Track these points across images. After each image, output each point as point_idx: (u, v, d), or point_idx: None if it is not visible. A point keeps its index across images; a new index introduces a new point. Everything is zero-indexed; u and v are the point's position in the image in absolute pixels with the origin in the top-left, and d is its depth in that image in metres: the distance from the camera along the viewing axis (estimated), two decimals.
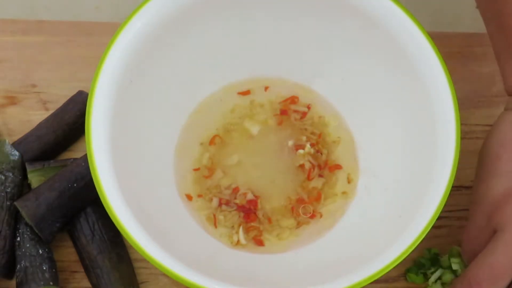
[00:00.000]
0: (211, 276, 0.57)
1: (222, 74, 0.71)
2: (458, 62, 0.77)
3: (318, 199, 0.69)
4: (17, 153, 0.68)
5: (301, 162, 0.70)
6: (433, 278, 0.68)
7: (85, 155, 0.64)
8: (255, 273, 0.65)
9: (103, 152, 0.59)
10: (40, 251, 0.65)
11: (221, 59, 0.70)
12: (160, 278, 0.68)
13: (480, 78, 0.77)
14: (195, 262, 0.59)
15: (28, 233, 0.66)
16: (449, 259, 0.68)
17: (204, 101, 0.72)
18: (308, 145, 0.70)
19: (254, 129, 0.71)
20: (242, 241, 0.67)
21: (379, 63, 0.67)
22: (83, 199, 0.66)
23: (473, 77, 0.77)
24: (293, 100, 0.72)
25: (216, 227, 0.68)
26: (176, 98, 0.69)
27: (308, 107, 0.72)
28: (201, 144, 0.71)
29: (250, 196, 0.69)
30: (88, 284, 0.67)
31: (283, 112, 0.72)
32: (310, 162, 0.70)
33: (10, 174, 0.67)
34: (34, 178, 0.68)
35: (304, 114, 0.72)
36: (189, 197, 0.69)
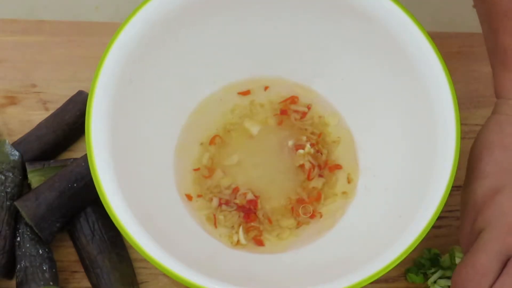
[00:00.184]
0: (211, 276, 0.57)
1: (222, 74, 0.71)
2: (458, 62, 0.77)
3: (318, 199, 0.69)
4: (17, 153, 0.68)
5: (301, 162, 0.70)
6: (433, 278, 0.68)
7: (85, 155, 0.64)
8: (255, 273, 0.65)
9: (103, 152, 0.59)
10: (40, 251, 0.65)
11: (221, 59, 0.70)
12: (160, 278, 0.68)
13: (480, 78, 0.77)
14: (195, 262, 0.59)
15: (28, 233, 0.66)
16: (449, 259, 0.68)
17: (204, 101, 0.72)
18: (308, 145, 0.70)
19: (254, 129, 0.71)
20: (242, 241, 0.67)
21: (379, 63, 0.67)
22: (83, 199, 0.66)
23: (473, 77, 0.77)
24: (293, 100, 0.72)
25: (216, 227, 0.68)
26: (176, 98, 0.69)
27: (308, 107, 0.72)
28: (201, 144, 0.71)
29: (250, 196, 0.69)
30: (88, 284, 0.67)
31: (283, 112, 0.72)
32: (310, 162, 0.70)
33: (10, 174, 0.67)
34: (34, 178, 0.68)
35: (304, 114, 0.72)
36: (189, 197, 0.69)
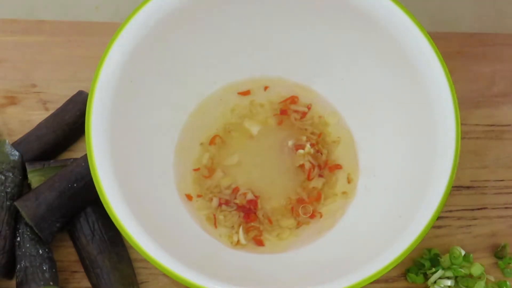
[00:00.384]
0: (211, 276, 0.57)
1: (222, 74, 0.71)
2: (458, 62, 0.77)
3: (318, 199, 0.69)
4: (17, 153, 0.68)
5: (301, 162, 0.70)
6: (433, 278, 0.68)
7: (85, 155, 0.64)
8: (255, 273, 0.65)
9: (103, 152, 0.59)
10: (40, 251, 0.65)
11: (221, 59, 0.70)
12: (160, 278, 0.68)
13: (480, 78, 0.77)
14: (195, 262, 0.59)
15: (28, 233, 0.66)
16: (449, 259, 0.69)
17: (204, 101, 0.72)
18: (308, 145, 0.70)
19: (254, 129, 0.71)
20: (242, 241, 0.67)
21: (379, 63, 0.67)
22: (83, 199, 0.66)
23: (473, 77, 0.77)
24: (293, 100, 0.72)
25: (216, 227, 0.68)
26: (176, 98, 0.69)
27: (308, 107, 0.72)
28: (201, 144, 0.71)
29: (250, 196, 0.69)
30: (88, 284, 0.67)
31: (283, 112, 0.72)
32: (310, 162, 0.70)
33: (10, 174, 0.67)
34: (34, 178, 0.68)
35: (304, 114, 0.72)
36: (189, 197, 0.69)
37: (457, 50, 0.78)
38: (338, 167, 0.71)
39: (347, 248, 0.65)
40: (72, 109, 0.71)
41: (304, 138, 0.71)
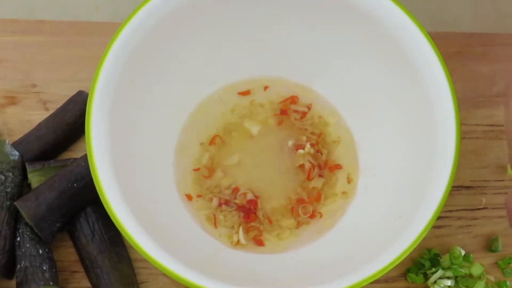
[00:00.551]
0: (211, 276, 0.57)
1: (222, 74, 0.71)
2: (458, 62, 0.77)
3: (318, 199, 0.69)
4: (17, 153, 0.68)
5: (301, 162, 0.70)
6: (433, 278, 0.68)
7: (85, 155, 0.64)
8: (255, 273, 0.65)
9: (103, 152, 0.59)
10: (40, 251, 0.65)
11: (221, 59, 0.70)
12: (160, 278, 0.68)
13: (480, 78, 0.77)
14: (195, 262, 0.59)
15: (28, 233, 0.66)
16: (449, 259, 0.69)
17: (204, 101, 0.72)
18: (308, 145, 0.70)
19: (254, 129, 0.71)
20: (242, 241, 0.67)
21: (379, 63, 0.67)
22: (83, 199, 0.66)
23: (473, 77, 0.77)
24: (293, 100, 0.72)
25: (216, 227, 0.68)
26: (176, 98, 0.69)
27: (308, 107, 0.72)
28: (201, 144, 0.71)
29: (250, 196, 0.69)
30: (88, 284, 0.67)
31: (283, 112, 0.72)
32: (310, 162, 0.70)
33: (10, 174, 0.67)
34: (34, 178, 0.68)
35: (304, 114, 0.72)
36: (189, 197, 0.69)
37: (457, 50, 0.78)
38: (338, 167, 0.71)
39: (347, 248, 0.65)
40: (72, 109, 0.71)
41: (304, 138, 0.71)
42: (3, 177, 0.67)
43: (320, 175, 0.70)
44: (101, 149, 0.59)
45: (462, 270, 0.68)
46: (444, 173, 0.60)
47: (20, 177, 0.68)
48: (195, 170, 0.70)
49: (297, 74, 0.72)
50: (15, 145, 0.69)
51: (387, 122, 0.68)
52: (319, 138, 0.71)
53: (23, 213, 0.65)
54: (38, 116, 0.72)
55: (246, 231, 0.68)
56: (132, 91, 0.64)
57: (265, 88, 0.73)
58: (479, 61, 0.77)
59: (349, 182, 0.70)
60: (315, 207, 0.69)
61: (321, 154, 0.71)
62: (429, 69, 0.62)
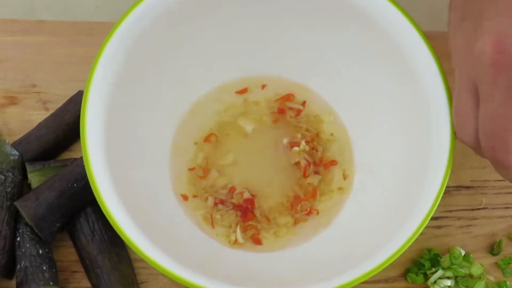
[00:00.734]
0: (210, 276, 0.57)
1: (218, 73, 0.71)
2: None
3: (314, 195, 0.69)
4: (17, 153, 0.68)
5: (297, 160, 0.70)
6: (433, 278, 0.68)
7: None
8: (253, 272, 0.65)
9: (98, 153, 0.59)
10: (40, 251, 0.65)
11: (217, 57, 0.70)
12: (160, 278, 0.68)
13: None
14: (193, 262, 0.59)
15: (28, 233, 0.66)
16: (449, 259, 0.68)
17: (200, 100, 0.72)
18: (303, 143, 0.70)
19: (249, 127, 0.71)
20: (240, 240, 0.67)
21: (376, 62, 0.67)
22: (83, 199, 0.66)
23: None
24: (288, 97, 0.72)
25: (213, 226, 0.68)
26: (171, 98, 0.69)
27: (303, 104, 0.72)
28: (196, 143, 0.70)
29: (246, 195, 0.69)
30: (88, 284, 0.67)
31: (281, 111, 0.72)
32: (306, 159, 0.70)
33: (10, 174, 0.67)
34: (34, 178, 0.68)
35: (299, 111, 0.72)
36: (185, 197, 0.69)
37: None
38: (333, 163, 0.70)
39: (345, 244, 0.65)
40: (72, 109, 0.71)
41: (299, 135, 0.71)
42: (3, 177, 0.67)
43: (316, 172, 0.70)
44: (96, 150, 0.59)
45: (462, 270, 0.68)
46: (440, 168, 0.60)
47: (20, 177, 0.68)
48: (190, 170, 0.70)
49: (294, 72, 0.72)
50: (15, 145, 0.69)
51: (383, 120, 0.68)
52: (314, 136, 0.71)
53: (23, 213, 0.65)
54: (38, 116, 0.72)
55: (244, 230, 0.68)
56: (127, 91, 0.63)
57: (263, 86, 0.73)
58: None
59: (344, 178, 0.70)
60: (311, 204, 0.69)
61: (316, 151, 0.71)
62: (425, 68, 0.62)
